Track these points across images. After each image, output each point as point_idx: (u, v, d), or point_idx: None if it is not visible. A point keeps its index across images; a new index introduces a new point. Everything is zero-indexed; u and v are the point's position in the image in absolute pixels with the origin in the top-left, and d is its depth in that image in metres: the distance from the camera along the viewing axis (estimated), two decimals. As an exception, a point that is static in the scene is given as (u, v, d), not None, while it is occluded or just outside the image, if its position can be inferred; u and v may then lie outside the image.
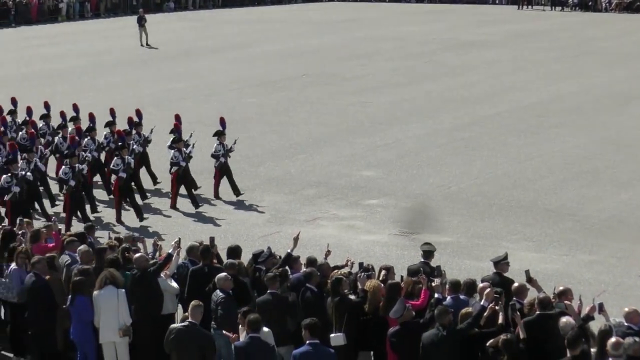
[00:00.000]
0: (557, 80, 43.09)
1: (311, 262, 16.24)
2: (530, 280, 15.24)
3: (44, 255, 16.39)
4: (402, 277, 15.94)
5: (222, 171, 25.99)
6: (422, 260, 16.84)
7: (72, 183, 23.53)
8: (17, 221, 19.00)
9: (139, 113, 27.66)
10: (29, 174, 23.55)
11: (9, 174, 23.08)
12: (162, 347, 14.35)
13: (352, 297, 15.04)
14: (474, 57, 49.76)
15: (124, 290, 15.17)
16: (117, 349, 15.22)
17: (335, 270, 15.98)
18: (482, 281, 15.22)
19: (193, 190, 25.64)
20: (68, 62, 50.08)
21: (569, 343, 12.48)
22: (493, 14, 68.16)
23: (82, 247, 16.58)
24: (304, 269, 16.14)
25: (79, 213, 23.96)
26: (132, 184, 25.35)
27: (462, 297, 14.77)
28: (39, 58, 51.62)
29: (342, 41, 56.37)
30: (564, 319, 13.15)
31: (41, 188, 25.05)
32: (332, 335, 14.72)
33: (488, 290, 14.22)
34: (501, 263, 16.23)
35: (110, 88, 42.23)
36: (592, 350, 12.76)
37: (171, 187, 25.68)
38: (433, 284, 14.81)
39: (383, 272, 15.82)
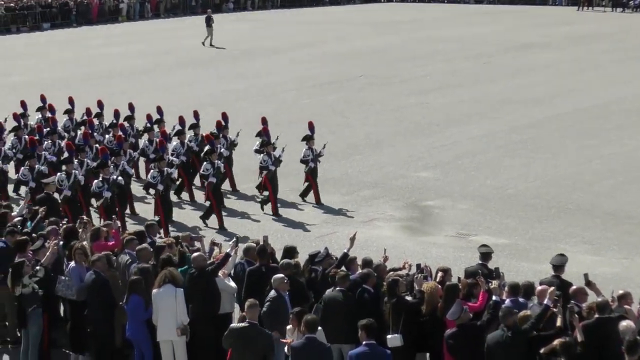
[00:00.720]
0: (617, 82, 42.63)
1: (367, 263, 16.26)
2: (588, 283, 15.13)
3: (104, 253, 16.58)
4: (459, 278, 15.91)
5: (314, 176, 25.71)
6: (480, 262, 16.79)
7: (161, 187, 23.24)
8: (78, 219, 19.21)
9: (225, 116, 27.39)
10: (120, 178, 23.33)
11: (100, 179, 22.84)
12: (220, 346, 14.43)
13: (408, 298, 15.04)
14: (533, 58, 49.41)
15: (182, 289, 15.28)
16: (175, 347, 15.32)
17: (392, 272, 15.99)
18: (541, 284, 15.14)
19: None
20: (128, 62, 50.54)
21: (627, 348, 12.36)
22: (552, 15, 67.63)
23: (142, 245, 16.76)
24: (360, 269, 16.18)
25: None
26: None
27: (521, 300, 14.70)
28: (99, 58, 52.13)
29: (400, 42, 56.27)
30: (624, 323, 13.03)
31: None
32: (389, 336, 14.72)
33: (552, 289, 14.16)
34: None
35: (169, 88, 42.53)
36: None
37: (268, 191, 25.22)
38: (491, 286, 14.75)
39: (440, 273, 15.79)
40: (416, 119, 35.96)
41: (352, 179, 27.65)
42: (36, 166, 24.18)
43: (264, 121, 26.89)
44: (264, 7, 78.02)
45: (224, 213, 24.38)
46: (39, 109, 29.72)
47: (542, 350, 13.14)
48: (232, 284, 16.17)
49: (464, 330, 13.83)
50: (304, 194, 26.00)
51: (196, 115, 27.86)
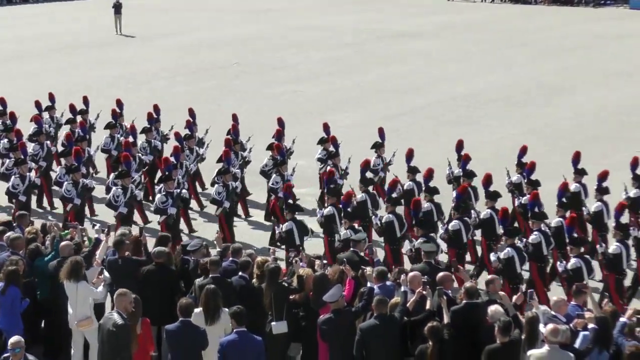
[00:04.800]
0: (486, 71, 43.46)
1: (236, 251, 16.26)
2: (457, 269, 15.43)
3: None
4: (325, 264, 16.11)
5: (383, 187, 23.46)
6: (352, 249, 16.94)
7: (227, 205, 21.40)
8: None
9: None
10: (184, 191, 21.72)
11: (164, 193, 20.93)
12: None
13: (287, 284, 15.08)
14: (404, 47, 49.94)
15: (84, 282, 15.11)
16: (86, 335, 15.33)
17: (260, 258, 16.07)
18: (412, 270, 15.34)
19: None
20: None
21: (502, 329, 12.66)
22: (423, 5, 68.37)
23: (17, 234, 16.52)
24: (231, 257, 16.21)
25: None
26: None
27: (388, 283, 14.92)
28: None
29: (273, 30, 56.24)
30: (492, 308, 13.32)
31: None
32: (273, 323, 14.73)
33: (411, 275, 14.45)
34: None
35: (38, 75, 41.74)
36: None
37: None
38: (366, 273, 14.90)
39: (317, 261, 15.88)
40: (290, 107, 36.00)
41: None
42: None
43: (327, 127, 25.50)
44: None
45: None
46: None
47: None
48: (106, 273, 15.97)
49: (338, 315, 13.92)
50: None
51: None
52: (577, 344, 12.98)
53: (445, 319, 13.45)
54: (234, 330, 13.37)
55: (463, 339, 13.37)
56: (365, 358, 13.58)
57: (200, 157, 25.01)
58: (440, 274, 14.82)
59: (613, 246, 18.24)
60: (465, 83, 40.59)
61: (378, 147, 24.43)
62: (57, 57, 47.09)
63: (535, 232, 18.73)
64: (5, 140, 25.41)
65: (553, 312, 13.68)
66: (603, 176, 21.25)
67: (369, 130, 31.88)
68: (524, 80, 41.36)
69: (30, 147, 24.70)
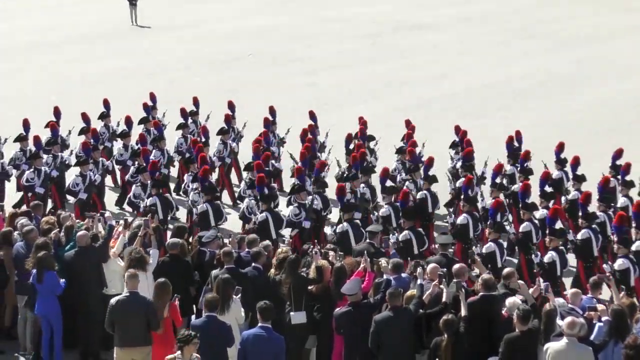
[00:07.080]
0: (503, 62, 43.32)
1: (252, 242, 16.32)
2: (473, 261, 15.43)
3: None
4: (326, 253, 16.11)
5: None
6: (368, 241, 16.96)
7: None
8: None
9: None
10: (317, 201, 20.03)
11: (296, 205, 19.60)
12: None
13: (306, 275, 15.14)
14: (421, 39, 49.80)
15: (151, 273, 15.45)
16: None
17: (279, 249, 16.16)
18: (428, 263, 15.34)
19: None
20: (9, 39, 49.33)
21: (519, 319, 12.66)
22: (440, -4, 68.21)
23: (28, 226, 16.61)
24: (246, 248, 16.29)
25: None
26: None
27: (404, 276, 14.93)
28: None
29: (289, 21, 56.12)
30: (511, 300, 13.34)
31: None
32: (292, 313, 14.80)
33: (430, 267, 14.46)
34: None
35: (52, 65, 41.87)
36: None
37: None
38: (382, 265, 14.91)
39: (331, 253, 15.90)
40: (305, 99, 35.99)
41: (242, 159, 27.55)
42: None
43: (459, 130, 25.06)
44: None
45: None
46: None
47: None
48: (122, 264, 16.07)
49: (356, 309, 13.93)
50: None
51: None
52: (592, 337, 12.99)
53: (463, 312, 13.44)
54: (259, 325, 13.38)
55: (478, 331, 13.38)
56: (379, 350, 13.60)
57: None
58: (456, 265, 14.84)
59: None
60: (481, 75, 40.48)
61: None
62: (72, 47, 47.09)
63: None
64: (121, 145, 24.43)
65: (570, 305, 13.68)
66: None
67: (385, 122, 31.93)
68: (542, 72, 41.22)
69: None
